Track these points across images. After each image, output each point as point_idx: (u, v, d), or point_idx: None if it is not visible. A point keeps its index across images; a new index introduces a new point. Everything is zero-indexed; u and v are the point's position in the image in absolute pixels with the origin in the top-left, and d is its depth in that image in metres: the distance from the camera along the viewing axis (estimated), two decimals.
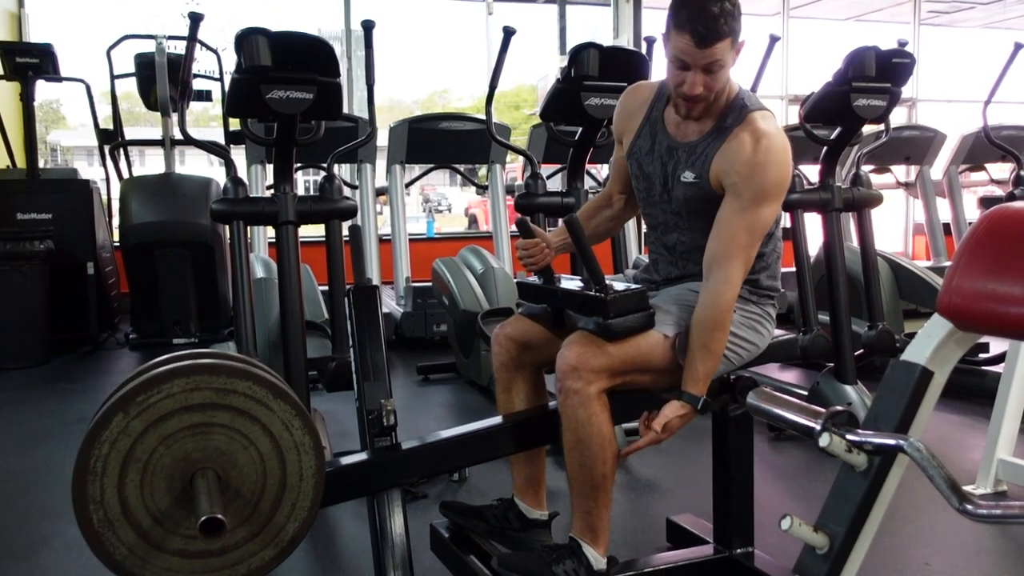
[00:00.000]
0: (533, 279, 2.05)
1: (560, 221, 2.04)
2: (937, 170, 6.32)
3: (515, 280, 2.13)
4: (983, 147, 5.47)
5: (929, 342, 1.20)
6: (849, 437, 1.17)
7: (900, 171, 6.51)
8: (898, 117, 8.70)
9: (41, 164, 5.66)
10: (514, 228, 6.91)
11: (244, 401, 1.56)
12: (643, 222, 2.09)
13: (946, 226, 6.40)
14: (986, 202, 5.03)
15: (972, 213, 6.21)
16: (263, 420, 1.58)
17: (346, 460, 1.98)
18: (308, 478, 1.63)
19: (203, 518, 1.44)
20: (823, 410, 1.20)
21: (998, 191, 6.04)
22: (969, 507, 1.01)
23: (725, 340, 1.83)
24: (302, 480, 1.62)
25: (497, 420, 2.05)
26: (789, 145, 1.84)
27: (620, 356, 1.78)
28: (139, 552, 1.53)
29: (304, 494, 1.63)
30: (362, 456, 1.99)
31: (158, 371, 1.54)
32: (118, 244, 5.49)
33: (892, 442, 1.14)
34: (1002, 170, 6.29)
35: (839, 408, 1.20)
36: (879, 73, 3.09)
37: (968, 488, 2.68)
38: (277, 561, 1.63)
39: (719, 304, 1.79)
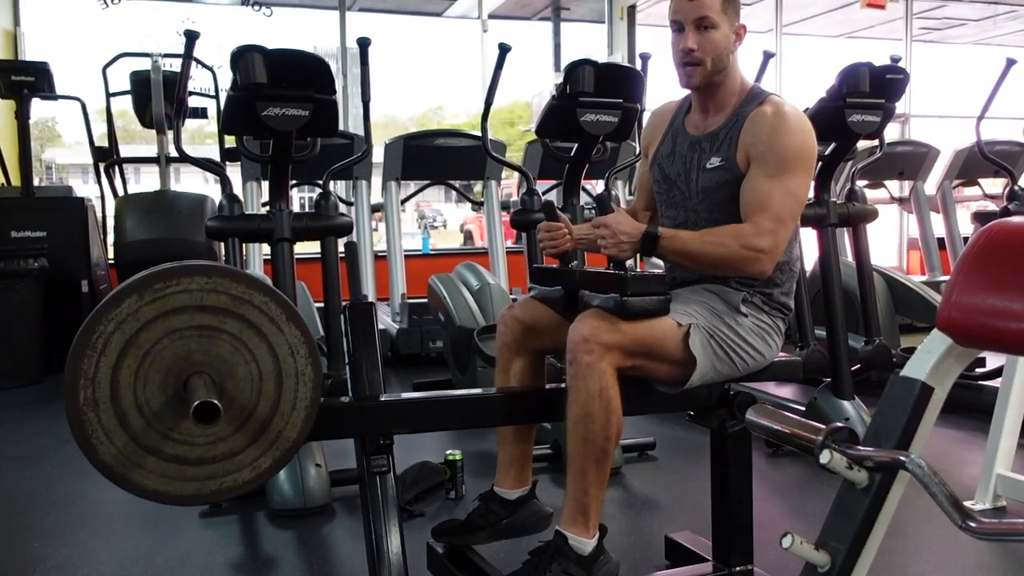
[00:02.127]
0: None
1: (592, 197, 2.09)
2: (931, 185, 6.34)
3: (533, 265, 2.16)
4: (976, 162, 5.49)
5: (929, 357, 1.20)
6: (850, 454, 1.16)
7: (894, 186, 6.54)
8: (892, 133, 8.74)
9: (36, 182, 5.63)
10: (510, 244, 6.92)
11: (257, 315, 1.54)
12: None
13: (940, 241, 6.41)
14: (980, 217, 5.03)
15: (966, 228, 6.24)
16: (271, 339, 1.56)
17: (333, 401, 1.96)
18: (301, 408, 1.60)
19: (198, 402, 1.41)
20: (823, 426, 1.19)
21: (992, 206, 6.05)
22: (972, 524, 1.00)
23: (711, 262, 1.85)
24: (295, 409, 1.60)
25: (491, 390, 2.06)
26: (810, 124, 1.89)
27: (632, 335, 1.77)
28: (117, 441, 1.50)
29: (293, 424, 1.60)
30: (348, 400, 1.98)
31: (180, 264, 1.52)
32: (113, 262, 5.48)
33: (893, 458, 1.13)
34: (995, 185, 6.32)
35: (839, 424, 1.20)
36: (873, 89, 3.11)
37: (967, 503, 2.67)
38: (250, 486, 1.61)
39: (739, 238, 1.81)
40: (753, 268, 1.83)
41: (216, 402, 1.42)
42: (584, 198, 4.23)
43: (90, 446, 1.49)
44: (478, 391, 2.05)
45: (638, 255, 2.03)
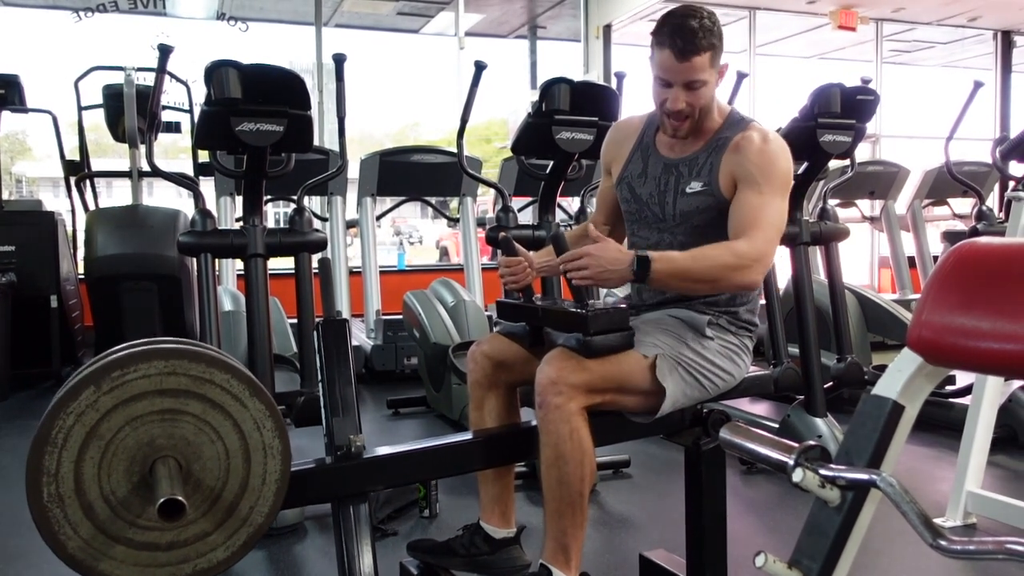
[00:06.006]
0: (512, 299, 2.05)
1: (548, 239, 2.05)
2: (901, 204, 6.43)
3: (498, 299, 2.13)
4: (945, 182, 5.58)
5: (900, 376, 1.20)
6: (822, 472, 1.16)
7: (865, 205, 6.62)
8: (863, 153, 8.86)
9: (5, 195, 5.57)
10: (485, 260, 6.92)
11: (219, 393, 1.51)
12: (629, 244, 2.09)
13: (911, 259, 6.50)
14: (950, 236, 5.12)
15: (936, 247, 6.33)
16: (235, 416, 1.53)
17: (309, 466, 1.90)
18: (271, 483, 1.57)
19: (162, 499, 1.37)
20: (796, 445, 1.20)
21: (960, 225, 6.15)
22: (943, 543, 1.00)
23: (706, 277, 1.79)
24: (265, 484, 1.57)
25: (467, 435, 2.03)
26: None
27: (599, 373, 1.76)
28: (84, 533, 1.45)
29: (264, 499, 1.57)
30: (326, 461, 1.93)
31: (137, 350, 1.48)
32: (83, 277, 5.41)
33: (865, 477, 1.13)
34: (964, 204, 6.42)
35: (811, 443, 1.20)
36: (844, 110, 3.15)
37: (938, 521, 2.69)
38: (226, 565, 1.57)
39: (730, 248, 1.78)
40: (746, 278, 1.80)
41: (180, 498, 1.38)
42: (559, 215, 4.24)
43: (57, 542, 1.44)
44: (454, 438, 2.02)
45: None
